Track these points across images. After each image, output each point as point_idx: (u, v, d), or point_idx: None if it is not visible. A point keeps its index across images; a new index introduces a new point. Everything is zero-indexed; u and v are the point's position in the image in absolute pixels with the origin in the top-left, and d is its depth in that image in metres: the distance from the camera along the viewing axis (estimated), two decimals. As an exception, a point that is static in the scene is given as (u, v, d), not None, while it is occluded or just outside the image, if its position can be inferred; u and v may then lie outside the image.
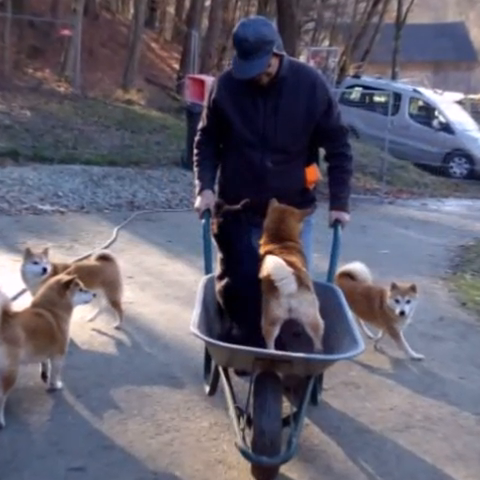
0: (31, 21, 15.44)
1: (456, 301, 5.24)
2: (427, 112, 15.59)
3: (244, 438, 2.45)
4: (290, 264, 2.50)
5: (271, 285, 2.46)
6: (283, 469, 2.56)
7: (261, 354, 2.43)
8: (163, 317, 4.29)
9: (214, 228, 2.97)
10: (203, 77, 11.49)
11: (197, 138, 3.24)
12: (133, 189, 8.58)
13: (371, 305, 3.88)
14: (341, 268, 3.85)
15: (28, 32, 15.34)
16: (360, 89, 16.05)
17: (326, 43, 26.02)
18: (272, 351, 2.50)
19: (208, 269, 3.06)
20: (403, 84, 17.70)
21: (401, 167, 13.37)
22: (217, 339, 2.55)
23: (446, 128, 14.74)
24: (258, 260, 2.64)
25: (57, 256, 4.79)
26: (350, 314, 2.73)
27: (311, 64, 13.18)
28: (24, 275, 3.75)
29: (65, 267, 3.67)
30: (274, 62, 2.88)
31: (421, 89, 16.45)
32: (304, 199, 3.10)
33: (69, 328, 3.17)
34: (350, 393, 3.41)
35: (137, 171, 9.54)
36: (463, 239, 7.99)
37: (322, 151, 3.21)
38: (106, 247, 5.65)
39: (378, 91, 15.43)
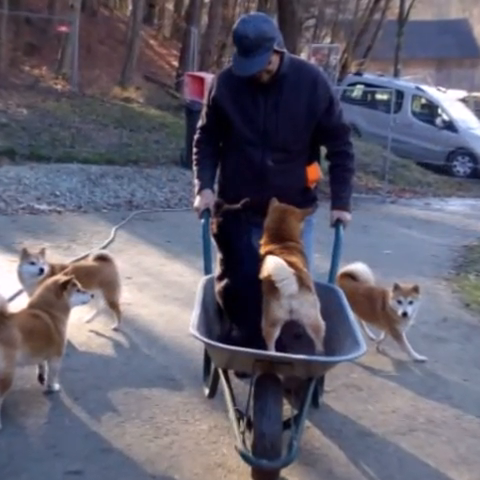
0: (28, 18, 15.41)
1: (460, 302, 5.20)
2: (430, 110, 15.53)
3: (244, 441, 2.43)
4: (291, 264, 2.47)
5: (272, 286, 2.43)
6: (284, 473, 2.53)
7: (261, 356, 2.41)
8: (162, 318, 4.26)
9: (214, 228, 2.95)
10: (202, 74, 11.50)
11: (196, 136, 3.21)
12: (131, 188, 8.54)
13: (373, 306, 3.85)
14: (343, 269, 3.82)
15: (25, 29, 15.31)
16: (362, 87, 16.01)
17: (327, 40, 26.06)
18: (272, 353, 2.48)
19: (207, 269, 3.04)
20: (406, 81, 17.67)
21: (404, 166, 13.32)
22: (217, 341, 2.52)
23: (449, 126, 14.68)
24: (258, 260, 2.60)
25: (54, 256, 4.77)
26: (352, 315, 2.71)
27: (312, 61, 13.15)
28: (21, 276, 3.72)
29: (62, 267, 3.65)
30: (275, 59, 2.85)
31: (424, 87, 16.38)
32: (305, 198, 3.07)
33: (66, 329, 3.13)
34: (352, 395, 3.38)
35: (136, 170, 9.51)
36: (467, 239, 7.94)
37: (323, 149, 3.17)
38: (104, 247, 5.62)
39: (380, 89, 15.36)
